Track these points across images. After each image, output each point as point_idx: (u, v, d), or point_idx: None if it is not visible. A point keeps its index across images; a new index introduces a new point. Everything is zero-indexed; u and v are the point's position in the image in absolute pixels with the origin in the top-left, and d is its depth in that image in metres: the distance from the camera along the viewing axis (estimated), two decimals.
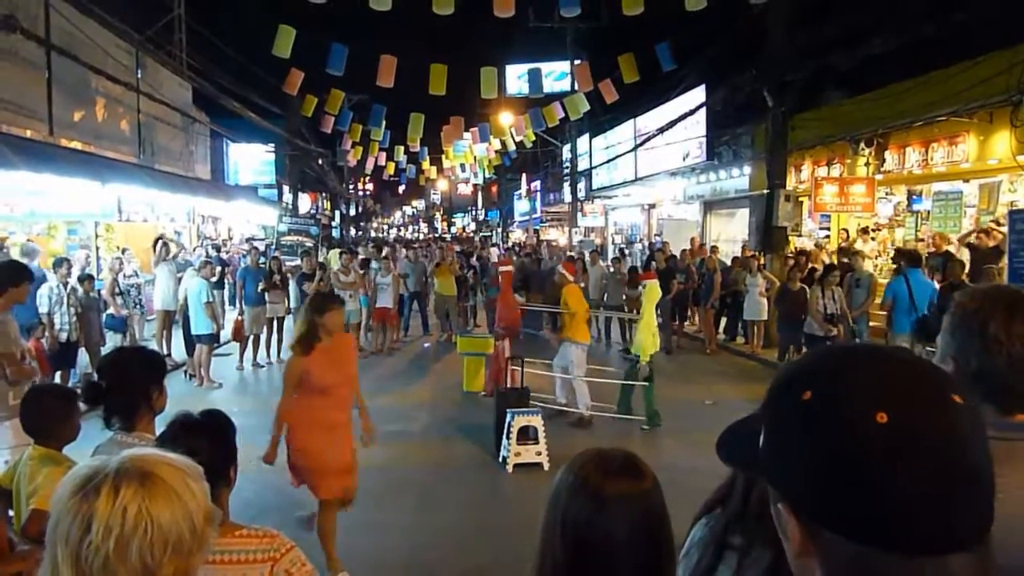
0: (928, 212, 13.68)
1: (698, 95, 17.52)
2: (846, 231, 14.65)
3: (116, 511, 1.02)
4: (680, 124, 17.43)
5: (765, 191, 13.74)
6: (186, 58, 17.34)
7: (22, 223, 10.88)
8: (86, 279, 9.61)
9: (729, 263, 14.13)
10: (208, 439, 2.17)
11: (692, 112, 17.04)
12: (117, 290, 10.64)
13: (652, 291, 8.79)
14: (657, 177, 21.44)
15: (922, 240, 13.04)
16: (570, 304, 8.94)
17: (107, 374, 2.80)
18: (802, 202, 14.72)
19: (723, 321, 14.49)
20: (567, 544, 1.41)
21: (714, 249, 15.95)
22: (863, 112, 13.00)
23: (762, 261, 13.29)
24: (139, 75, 14.54)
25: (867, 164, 13.42)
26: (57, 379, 8.45)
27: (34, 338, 7.89)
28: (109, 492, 1.03)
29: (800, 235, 15.55)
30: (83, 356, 9.48)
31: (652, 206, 25.25)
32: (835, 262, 12.23)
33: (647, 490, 1.43)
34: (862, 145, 13.34)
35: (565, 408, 8.93)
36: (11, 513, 2.93)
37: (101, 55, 12.18)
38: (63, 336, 8.86)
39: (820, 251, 14.18)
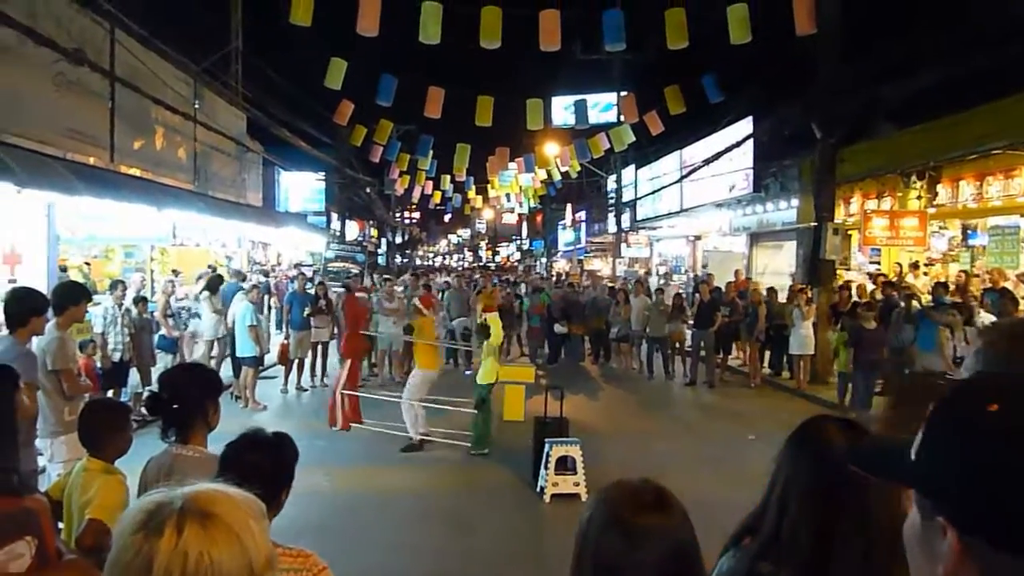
0: (984, 247, 13.33)
1: (745, 127, 17.45)
2: (899, 265, 14.34)
3: (177, 553, 1.00)
4: (726, 155, 17.36)
5: (813, 224, 13.56)
6: (241, 89, 17.91)
7: (81, 246, 11.28)
8: (140, 301, 9.91)
9: (767, 295, 13.88)
10: (271, 459, 2.23)
11: (739, 144, 16.97)
12: (169, 312, 10.94)
13: (493, 322, 9.24)
14: (703, 208, 21.32)
15: (977, 275, 12.71)
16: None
17: (168, 389, 2.91)
18: (851, 235, 14.48)
19: (767, 355, 14.26)
20: None
21: (748, 281, 15.75)
22: (914, 144, 12.79)
23: (809, 295, 13.07)
24: (196, 105, 15.05)
25: (919, 197, 13.16)
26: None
27: (85, 356, 8.15)
28: (172, 533, 1.01)
29: (848, 268, 15.28)
30: (134, 375, 9.75)
31: (697, 237, 25.08)
32: (881, 296, 12.00)
33: (677, 524, 1.39)
34: (913, 178, 13.10)
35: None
36: (60, 525, 3.03)
37: (161, 86, 12.67)
38: (116, 356, 9.14)
39: (885, 285, 13.72)
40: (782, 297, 14.14)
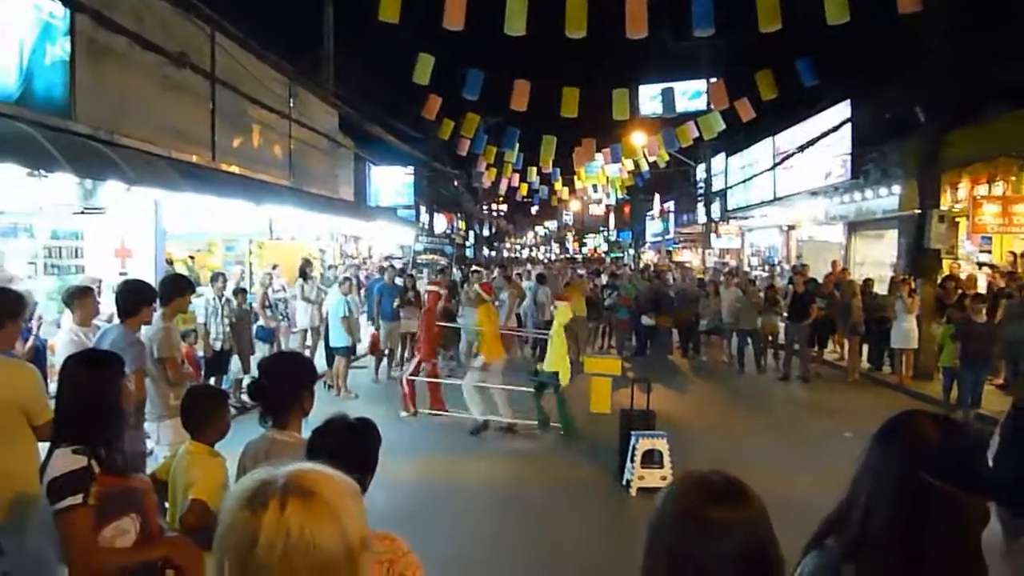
0: None
1: (842, 111, 16.72)
2: (1013, 254, 13.45)
3: (280, 528, 1.03)
4: (822, 141, 16.69)
5: (916, 211, 12.88)
6: (333, 87, 18.41)
7: (185, 240, 11.86)
8: (239, 292, 10.35)
9: (864, 286, 13.29)
10: (356, 444, 2.30)
11: (835, 129, 16.28)
12: (267, 303, 11.38)
13: (562, 313, 9.27)
14: (797, 197, 20.60)
15: None
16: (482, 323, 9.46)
17: (266, 375, 3.03)
18: (958, 223, 13.69)
19: (865, 349, 13.67)
20: (671, 574, 1.34)
21: (845, 271, 15.11)
22: None
23: (912, 286, 12.43)
24: (291, 104, 15.57)
25: None
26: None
27: (187, 345, 8.57)
28: (276, 508, 1.04)
29: (956, 258, 14.44)
30: (234, 363, 10.20)
31: (791, 227, 24.25)
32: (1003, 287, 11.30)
33: (754, 516, 1.33)
34: None
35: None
36: (166, 504, 3.20)
37: (258, 86, 13.16)
38: (217, 345, 9.60)
39: (998, 275, 12.90)
40: (881, 288, 13.52)
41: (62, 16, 8.63)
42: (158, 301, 5.27)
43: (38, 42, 8.36)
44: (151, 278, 8.25)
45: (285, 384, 2.98)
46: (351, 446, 2.24)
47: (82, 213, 8.48)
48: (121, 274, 8.91)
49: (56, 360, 6.23)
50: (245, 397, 7.86)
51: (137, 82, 10.11)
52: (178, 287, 5.70)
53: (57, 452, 2.62)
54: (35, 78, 8.32)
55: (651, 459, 7.00)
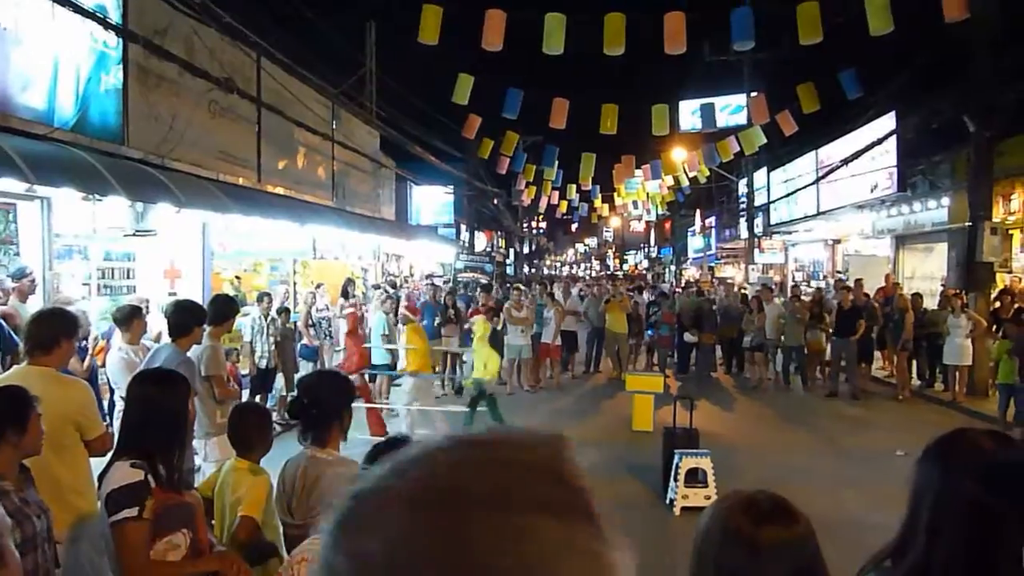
0: None
1: (887, 123, 16.39)
2: None
3: None
4: (867, 154, 16.38)
5: (967, 224, 12.54)
6: (375, 108, 18.71)
7: (232, 260, 12.12)
8: (283, 311, 10.52)
9: (913, 301, 12.97)
10: None
11: (880, 141, 15.96)
12: (310, 322, 11.54)
13: (480, 326, 10.25)
14: (842, 211, 20.21)
15: None
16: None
17: (306, 394, 3.08)
18: (1011, 235, 13.29)
19: (914, 365, 13.32)
20: None
21: (897, 286, 14.77)
22: None
23: (965, 300, 12.09)
24: (334, 126, 15.86)
25: None
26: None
27: (230, 363, 8.73)
28: None
29: (1010, 271, 14.01)
30: (278, 381, 10.35)
31: (837, 241, 23.79)
32: None
33: (802, 536, 1.31)
34: None
35: None
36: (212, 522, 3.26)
37: (302, 109, 13.44)
38: (262, 363, 9.76)
39: None
40: (931, 303, 13.17)
41: (115, 46, 8.95)
42: (208, 319, 5.41)
43: (93, 71, 8.69)
44: (199, 298, 8.46)
45: (324, 402, 3.02)
46: None
47: (133, 235, 8.73)
48: (170, 294, 9.15)
49: (109, 377, 6.40)
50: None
51: (186, 107, 10.42)
52: (227, 308, 5.85)
53: (116, 464, 2.69)
54: (90, 106, 8.64)
55: (695, 478, 6.89)
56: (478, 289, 15.59)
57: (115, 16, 8.74)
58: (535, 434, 0.63)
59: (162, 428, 2.76)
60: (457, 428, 9.00)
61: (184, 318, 5.10)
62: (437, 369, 12.88)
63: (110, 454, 2.87)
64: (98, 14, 7.78)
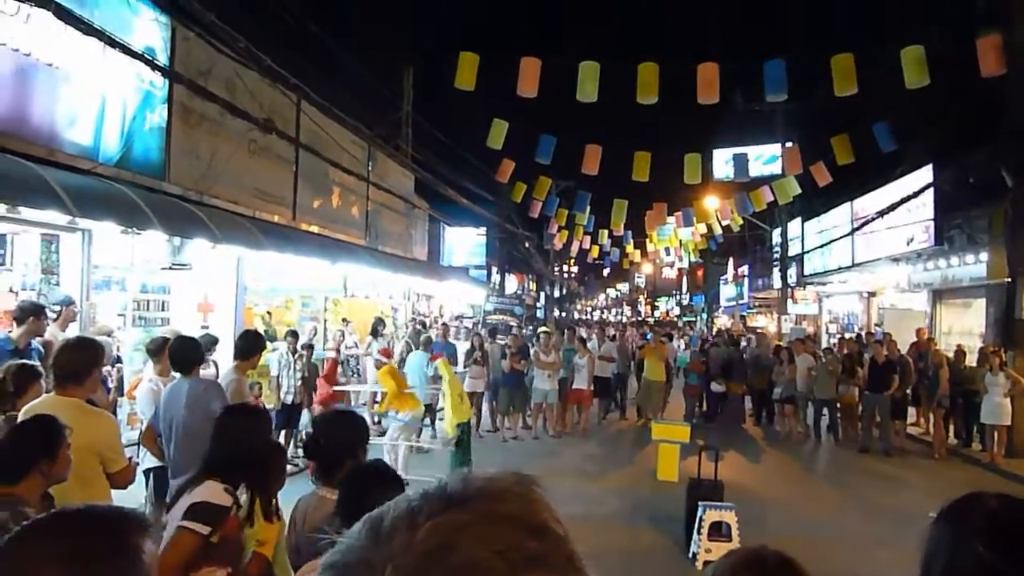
0: None
1: (924, 175, 16.23)
2: None
3: None
4: (903, 207, 16.21)
5: (1006, 280, 12.30)
6: (411, 151, 19.03)
7: (264, 296, 12.30)
8: (307, 347, 10.58)
9: (954, 357, 12.67)
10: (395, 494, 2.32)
11: (916, 194, 15.79)
12: (339, 359, 11.62)
13: (443, 368, 9.57)
14: (877, 263, 19.93)
15: None
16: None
17: (321, 432, 3.10)
18: None
19: (951, 423, 12.95)
20: None
21: (931, 341, 14.45)
22: None
23: (1003, 358, 11.78)
24: (369, 167, 16.15)
25: None
26: (281, 438, 9.30)
27: (252, 396, 8.80)
28: None
29: None
30: (305, 416, 10.39)
31: (872, 294, 23.43)
32: None
33: None
34: None
35: None
36: None
37: (338, 150, 13.72)
38: (288, 398, 9.81)
39: None
40: (969, 360, 12.86)
41: (161, 86, 9.28)
42: (234, 353, 5.52)
43: (139, 109, 9.00)
44: (231, 332, 8.59)
45: (336, 441, 3.02)
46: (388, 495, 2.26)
47: (169, 268, 8.93)
48: (203, 327, 9.30)
49: (138, 408, 6.49)
50: None
51: (226, 146, 10.71)
52: (254, 344, 5.95)
53: (208, 483, 2.84)
54: (134, 142, 8.93)
55: (719, 532, 6.74)
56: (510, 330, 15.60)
57: (163, 58, 9.08)
58: (505, 480, 0.63)
59: (259, 461, 3.00)
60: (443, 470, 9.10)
61: (252, 344, 5.83)
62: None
63: (179, 479, 3.06)
64: (147, 55, 8.08)
